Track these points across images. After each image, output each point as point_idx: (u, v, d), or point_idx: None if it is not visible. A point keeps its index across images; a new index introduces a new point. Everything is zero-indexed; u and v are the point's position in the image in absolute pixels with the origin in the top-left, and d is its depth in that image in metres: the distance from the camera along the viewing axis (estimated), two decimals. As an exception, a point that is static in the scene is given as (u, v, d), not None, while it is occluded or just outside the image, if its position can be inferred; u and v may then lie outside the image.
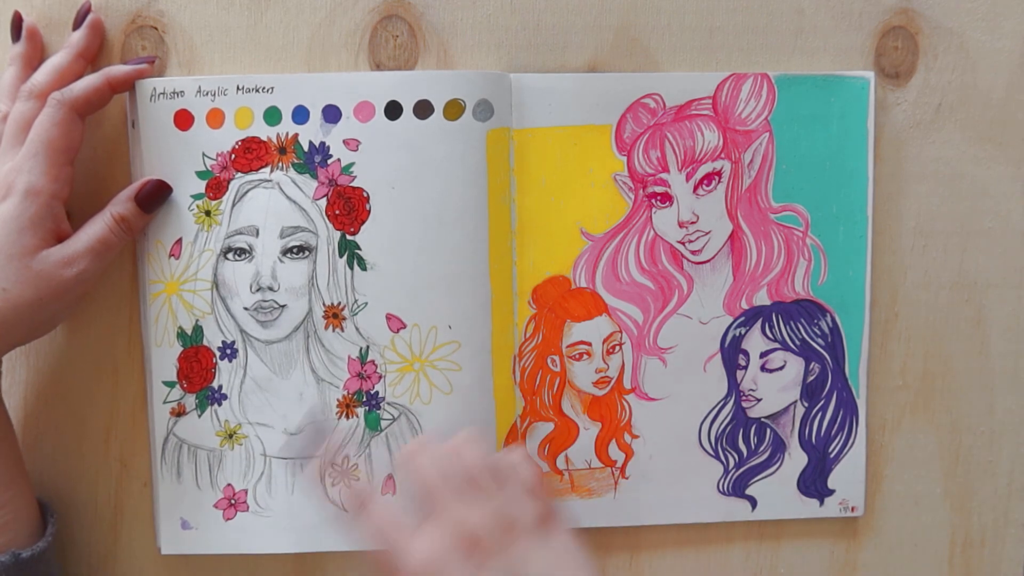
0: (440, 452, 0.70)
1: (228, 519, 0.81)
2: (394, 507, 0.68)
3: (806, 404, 0.85)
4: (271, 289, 0.79)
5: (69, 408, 0.83)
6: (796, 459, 0.86)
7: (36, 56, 0.80)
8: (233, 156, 0.78)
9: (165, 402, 0.81)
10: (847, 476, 0.86)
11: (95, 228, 0.75)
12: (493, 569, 0.65)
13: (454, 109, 0.79)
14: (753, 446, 0.86)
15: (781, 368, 0.85)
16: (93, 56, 0.79)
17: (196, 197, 0.79)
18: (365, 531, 0.68)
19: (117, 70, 0.77)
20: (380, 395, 0.81)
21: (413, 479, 0.69)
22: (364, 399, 0.81)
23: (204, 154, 0.78)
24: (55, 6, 0.80)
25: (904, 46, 0.84)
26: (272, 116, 0.78)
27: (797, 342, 0.85)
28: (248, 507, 0.81)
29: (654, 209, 0.83)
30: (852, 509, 0.87)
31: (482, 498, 0.67)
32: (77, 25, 0.79)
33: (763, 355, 0.85)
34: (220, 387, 0.80)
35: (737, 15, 0.82)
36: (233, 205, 0.79)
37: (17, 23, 0.79)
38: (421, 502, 0.68)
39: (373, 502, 0.69)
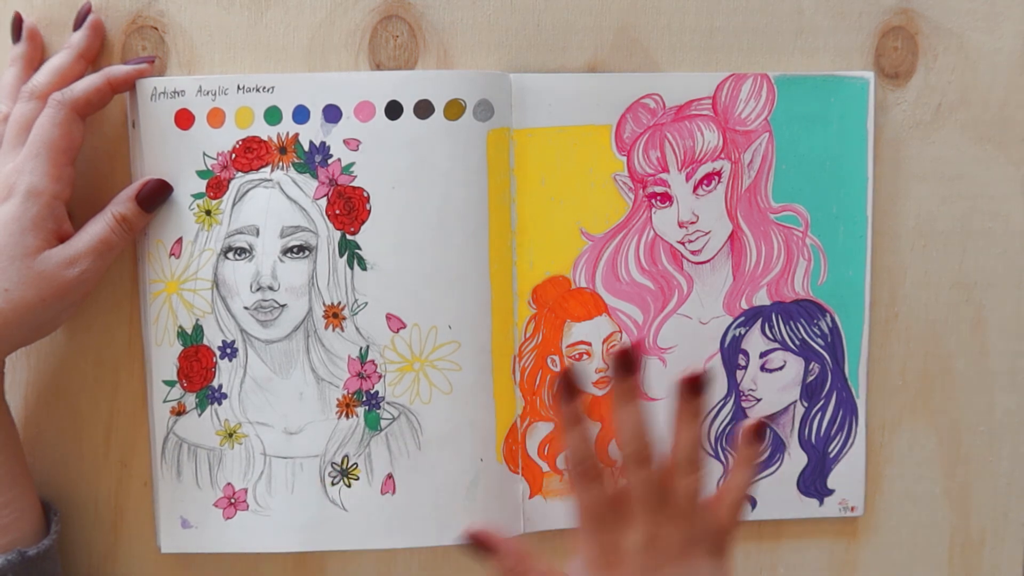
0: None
1: (228, 518, 0.81)
2: None
3: (806, 404, 0.85)
4: (271, 288, 0.79)
5: (69, 408, 0.83)
6: (796, 459, 0.86)
7: (37, 57, 0.80)
8: (233, 156, 0.78)
9: (165, 401, 0.81)
10: (847, 476, 0.86)
11: (96, 228, 0.75)
12: (672, 571, 0.71)
13: (454, 109, 0.79)
14: (753, 446, 0.86)
15: (781, 368, 0.85)
16: (94, 56, 0.80)
17: (197, 196, 0.79)
18: None
19: (117, 70, 0.77)
20: (380, 395, 0.81)
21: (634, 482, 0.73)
22: (364, 399, 0.81)
23: (205, 153, 0.78)
24: (55, 6, 0.80)
25: (904, 46, 0.84)
26: (272, 116, 0.78)
27: (797, 342, 0.85)
28: (248, 506, 0.81)
29: (654, 209, 0.83)
30: (852, 509, 0.87)
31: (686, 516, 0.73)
32: (77, 26, 0.79)
33: (763, 355, 0.85)
34: (220, 386, 0.80)
35: (737, 15, 0.82)
36: (233, 204, 0.79)
37: (17, 24, 0.79)
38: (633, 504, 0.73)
39: None
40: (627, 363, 0.72)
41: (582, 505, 0.74)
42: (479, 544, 0.74)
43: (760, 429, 0.75)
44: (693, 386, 0.73)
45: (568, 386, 0.72)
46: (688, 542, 0.73)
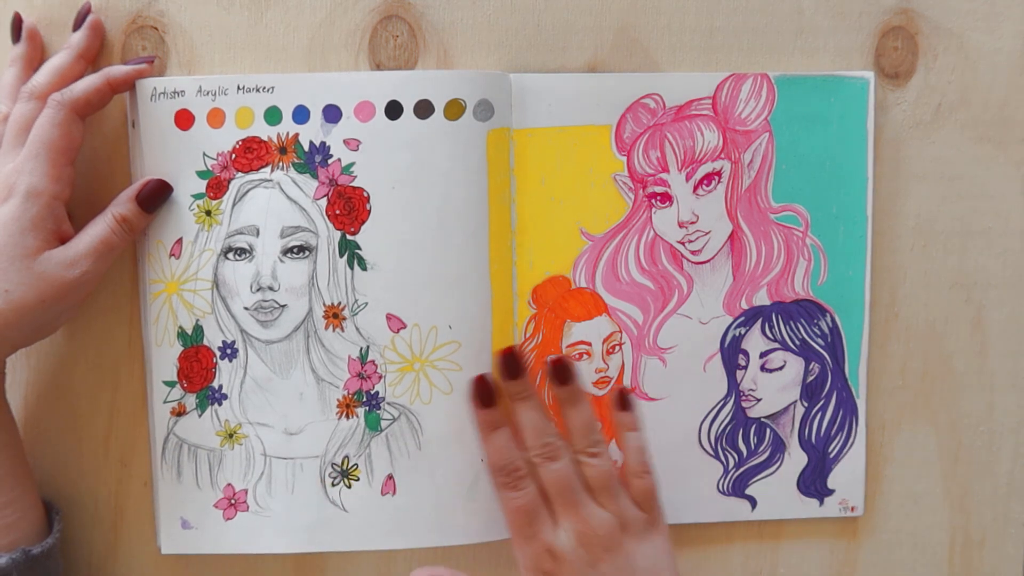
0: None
1: (228, 519, 0.81)
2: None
3: (806, 404, 0.85)
4: (271, 289, 0.79)
5: (69, 408, 0.83)
6: (796, 459, 0.86)
7: (36, 57, 0.80)
8: (233, 156, 0.78)
9: (165, 402, 0.81)
10: (847, 476, 0.86)
11: (97, 229, 0.75)
12: (609, 562, 0.77)
13: (455, 109, 0.79)
14: (753, 446, 0.86)
15: (781, 368, 0.85)
16: (93, 57, 0.80)
17: (197, 197, 0.79)
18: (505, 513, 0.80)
19: (117, 70, 0.77)
20: (380, 395, 0.81)
21: (547, 480, 0.79)
22: (364, 399, 0.81)
23: (205, 154, 0.78)
24: (55, 6, 0.81)
25: (904, 46, 0.84)
26: (272, 116, 0.78)
27: (797, 342, 0.85)
28: (248, 507, 0.81)
29: (654, 209, 0.83)
30: (852, 509, 0.87)
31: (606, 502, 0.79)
32: (77, 26, 0.79)
33: (763, 355, 0.85)
34: (220, 387, 0.80)
35: (737, 15, 0.82)
36: (233, 205, 0.79)
37: (17, 24, 0.79)
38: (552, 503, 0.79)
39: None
40: (512, 366, 0.80)
41: (509, 513, 0.79)
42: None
43: (623, 395, 0.83)
44: (561, 373, 0.80)
45: (482, 393, 0.79)
46: (616, 528, 0.78)
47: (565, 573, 0.76)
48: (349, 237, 0.79)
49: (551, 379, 0.81)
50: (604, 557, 0.77)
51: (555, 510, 0.78)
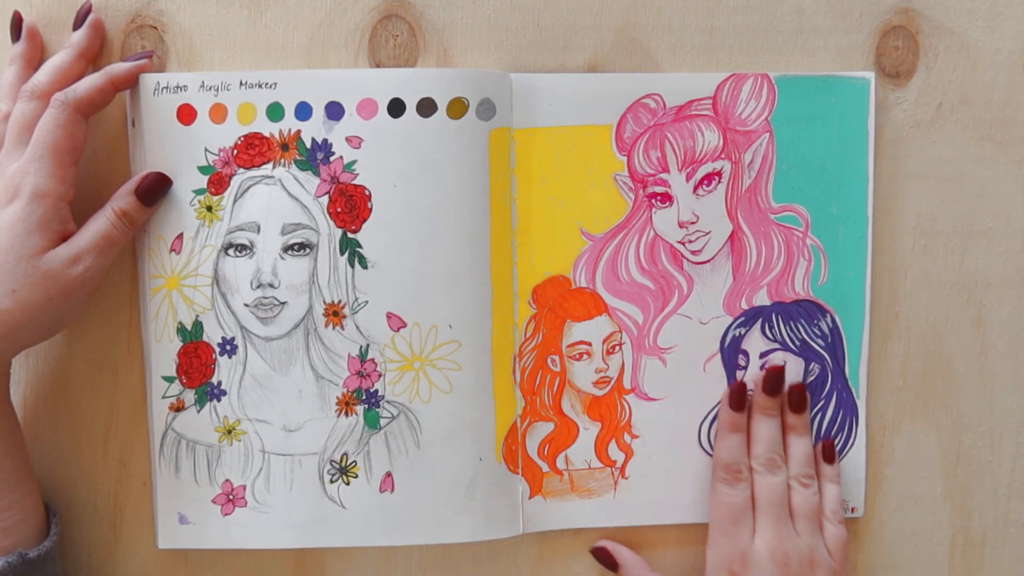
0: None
1: (226, 514, 0.81)
2: None
3: (806, 404, 0.86)
4: (271, 286, 0.79)
5: (69, 408, 0.83)
6: (796, 459, 0.86)
7: (36, 56, 0.80)
8: (235, 152, 0.78)
9: (164, 397, 0.81)
10: (847, 477, 0.86)
11: (97, 224, 0.75)
12: None
13: (457, 108, 0.79)
14: (753, 446, 0.86)
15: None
16: (94, 56, 0.80)
17: (198, 192, 0.79)
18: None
19: (119, 68, 0.77)
20: (379, 393, 0.81)
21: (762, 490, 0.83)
22: (363, 397, 0.81)
23: (206, 149, 0.78)
24: (54, 6, 0.81)
25: (904, 46, 0.84)
26: (275, 112, 0.78)
27: (797, 342, 0.85)
28: (246, 503, 0.81)
29: (654, 209, 0.83)
30: (852, 510, 0.87)
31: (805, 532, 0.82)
32: (78, 25, 0.79)
33: (763, 355, 0.85)
34: (219, 383, 0.80)
35: (737, 15, 0.83)
36: (235, 201, 0.79)
37: (17, 23, 0.79)
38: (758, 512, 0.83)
39: None
40: (775, 383, 0.83)
41: (720, 507, 0.82)
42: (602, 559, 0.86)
43: (828, 448, 0.86)
44: (799, 401, 0.84)
45: (738, 397, 0.84)
46: (807, 559, 0.81)
47: None
48: (350, 235, 0.79)
49: (789, 407, 0.85)
50: None
51: (759, 520, 0.82)
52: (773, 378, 0.83)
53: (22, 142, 0.74)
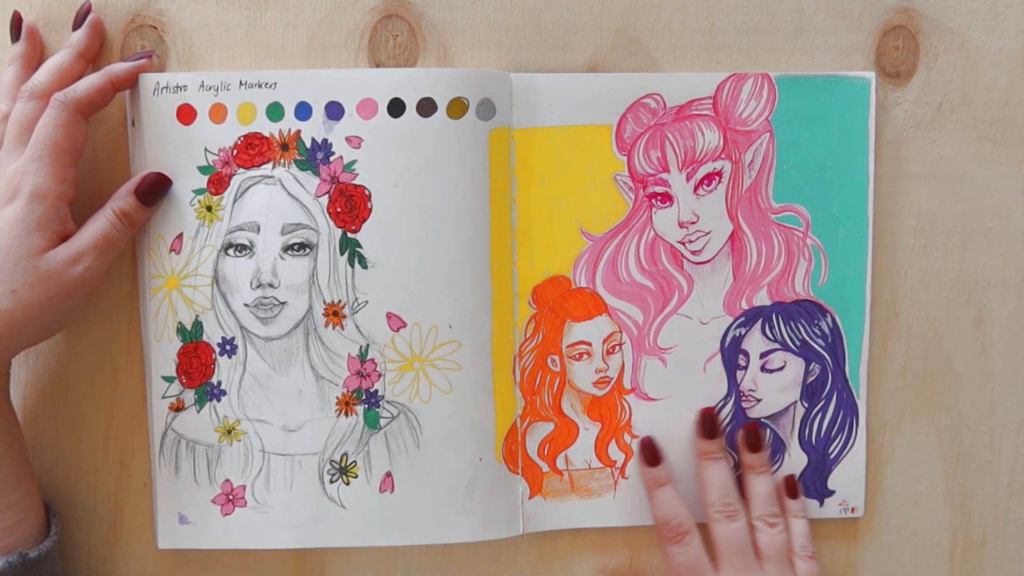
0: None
1: (226, 514, 0.81)
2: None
3: (806, 405, 0.85)
4: (271, 286, 0.79)
5: (69, 408, 0.83)
6: (796, 459, 0.86)
7: (36, 55, 0.80)
8: (235, 152, 0.78)
9: (164, 397, 0.81)
10: (847, 477, 0.86)
11: (97, 224, 0.75)
12: None
13: (457, 108, 0.79)
14: (753, 446, 0.86)
15: (781, 368, 0.85)
16: (94, 56, 0.80)
17: (197, 192, 0.79)
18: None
19: (119, 67, 0.77)
20: (379, 393, 0.81)
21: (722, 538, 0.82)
22: (363, 397, 0.81)
23: (206, 149, 0.78)
24: (54, 5, 0.81)
25: (905, 46, 0.84)
26: (275, 112, 0.78)
27: (797, 342, 0.85)
28: (246, 503, 0.81)
29: (654, 209, 0.83)
30: (852, 510, 0.87)
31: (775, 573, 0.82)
32: (77, 25, 0.79)
33: (763, 355, 0.85)
34: (219, 383, 0.80)
35: (737, 15, 0.83)
36: (235, 201, 0.79)
37: (17, 23, 0.79)
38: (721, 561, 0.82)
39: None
40: (710, 426, 0.84)
41: (673, 567, 0.82)
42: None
43: (792, 484, 0.86)
44: (753, 440, 0.84)
45: (650, 453, 0.83)
46: None
47: None
48: (350, 235, 0.79)
49: (744, 446, 0.85)
50: None
51: (723, 570, 0.81)
52: (707, 421, 0.84)
53: (22, 142, 0.74)
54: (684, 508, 0.82)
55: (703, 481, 0.83)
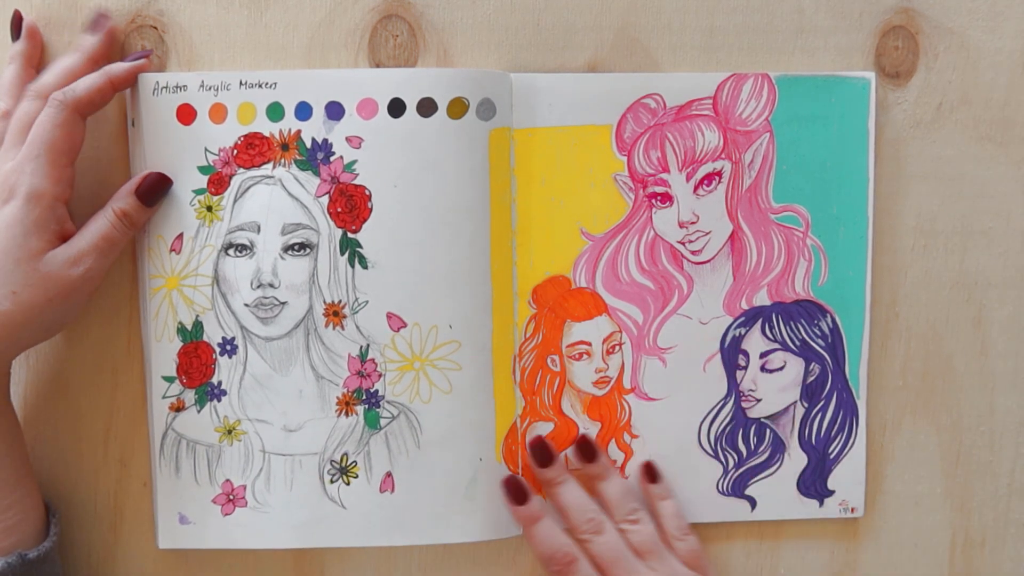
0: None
1: (227, 514, 0.81)
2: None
3: (806, 405, 0.85)
4: (272, 286, 0.79)
5: (69, 408, 0.83)
6: (796, 459, 0.86)
7: (36, 55, 0.80)
8: (235, 152, 0.78)
9: (164, 397, 0.81)
10: (847, 477, 0.86)
11: (97, 225, 0.75)
12: None
13: (458, 108, 0.79)
14: (753, 446, 0.86)
15: (781, 368, 0.85)
16: (104, 62, 0.79)
17: (198, 192, 0.79)
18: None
19: (118, 68, 0.77)
20: (380, 393, 0.81)
21: (597, 554, 0.81)
22: (364, 397, 0.81)
23: (206, 149, 0.78)
24: (55, 5, 0.81)
25: (904, 46, 0.84)
26: (275, 112, 0.78)
27: (797, 342, 0.85)
28: (247, 503, 0.81)
29: (654, 209, 0.83)
30: (852, 510, 0.87)
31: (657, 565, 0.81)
32: (93, 30, 0.78)
33: (763, 355, 0.85)
34: (220, 383, 0.80)
35: (737, 15, 0.83)
36: (235, 201, 0.79)
37: (17, 22, 0.79)
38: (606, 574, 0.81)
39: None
40: (543, 454, 0.83)
41: None
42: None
43: (650, 468, 0.85)
44: (587, 451, 0.84)
45: (514, 491, 0.82)
46: None
47: None
48: (350, 235, 0.79)
49: (578, 460, 0.84)
50: None
51: None
52: (539, 451, 0.83)
53: (21, 141, 0.74)
54: (564, 537, 0.81)
55: (559, 508, 0.82)
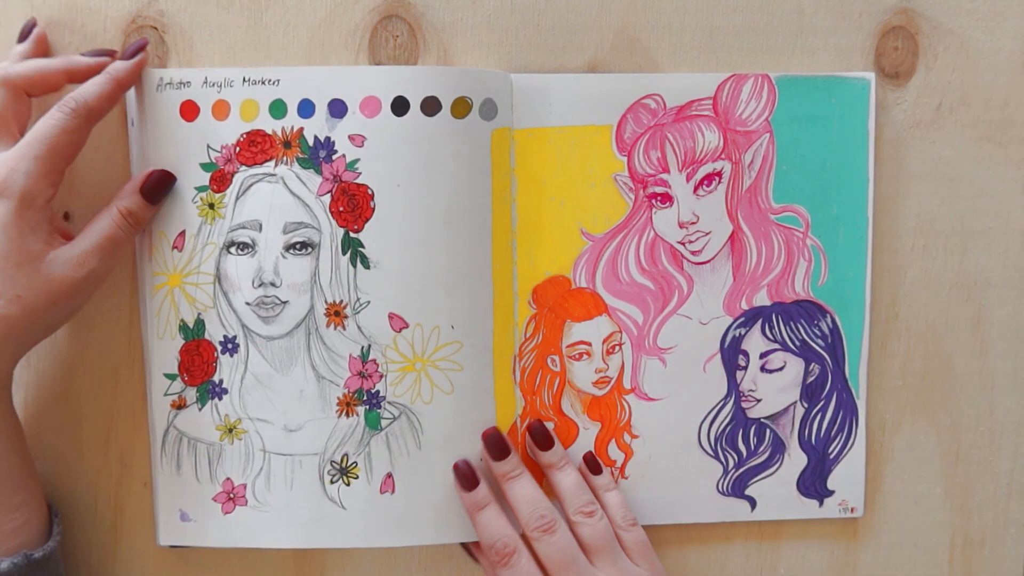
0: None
1: (227, 513, 0.81)
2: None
3: (806, 405, 0.85)
4: (273, 285, 0.79)
5: (69, 408, 0.83)
6: (796, 460, 0.86)
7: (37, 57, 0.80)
8: (238, 149, 0.78)
9: (166, 394, 0.80)
10: (847, 477, 0.86)
11: (101, 225, 0.74)
12: None
13: (461, 107, 0.79)
14: (753, 447, 0.86)
15: (781, 369, 0.85)
16: (128, 88, 0.78)
17: (200, 189, 0.79)
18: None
19: (121, 67, 0.76)
20: (381, 394, 0.81)
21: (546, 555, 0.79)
22: (365, 398, 0.80)
23: (209, 146, 0.78)
24: (55, 6, 0.80)
25: (904, 46, 0.84)
26: (277, 109, 0.78)
27: (797, 343, 0.85)
28: (247, 501, 0.81)
29: (654, 209, 0.83)
30: (852, 510, 0.87)
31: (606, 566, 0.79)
32: (128, 55, 0.77)
33: (763, 356, 0.85)
34: (221, 381, 0.80)
35: (737, 15, 0.83)
36: (237, 198, 0.79)
37: (29, 28, 0.79)
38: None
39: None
40: (498, 446, 0.81)
41: None
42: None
43: (593, 459, 0.85)
44: (541, 439, 0.83)
45: (465, 477, 0.81)
46: None
47: None
48: (352, 235, 0.79)
49: (533, 448, 0.83)
50: None
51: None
52: (493, 442, 0.82)
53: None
54: (508, 528, 0.80)
55: (511, 502, 0.81)
